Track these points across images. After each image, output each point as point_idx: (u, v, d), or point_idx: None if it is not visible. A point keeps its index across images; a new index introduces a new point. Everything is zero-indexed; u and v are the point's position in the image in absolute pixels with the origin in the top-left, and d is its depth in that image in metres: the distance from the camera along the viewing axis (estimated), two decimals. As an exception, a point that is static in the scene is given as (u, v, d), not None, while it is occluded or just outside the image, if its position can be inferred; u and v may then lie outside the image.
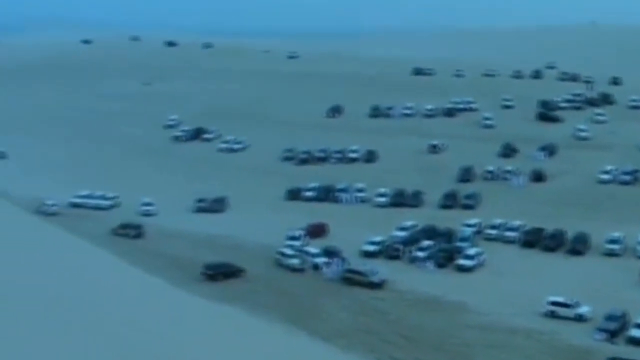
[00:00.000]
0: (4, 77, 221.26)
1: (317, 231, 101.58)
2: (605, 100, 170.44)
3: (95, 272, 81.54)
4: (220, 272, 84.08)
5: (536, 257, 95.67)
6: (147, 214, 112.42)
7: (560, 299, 76.11)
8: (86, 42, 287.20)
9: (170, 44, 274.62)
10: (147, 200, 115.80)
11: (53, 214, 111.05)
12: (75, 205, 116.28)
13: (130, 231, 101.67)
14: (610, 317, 72.95)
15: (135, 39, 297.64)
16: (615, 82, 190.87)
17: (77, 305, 65.68)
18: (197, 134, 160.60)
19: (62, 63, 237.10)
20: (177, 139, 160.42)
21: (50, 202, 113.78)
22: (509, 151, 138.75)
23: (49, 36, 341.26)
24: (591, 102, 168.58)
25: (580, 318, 74.75)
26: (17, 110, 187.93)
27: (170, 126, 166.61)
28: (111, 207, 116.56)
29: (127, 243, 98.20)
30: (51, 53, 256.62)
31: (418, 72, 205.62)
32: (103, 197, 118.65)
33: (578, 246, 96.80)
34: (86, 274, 78.41)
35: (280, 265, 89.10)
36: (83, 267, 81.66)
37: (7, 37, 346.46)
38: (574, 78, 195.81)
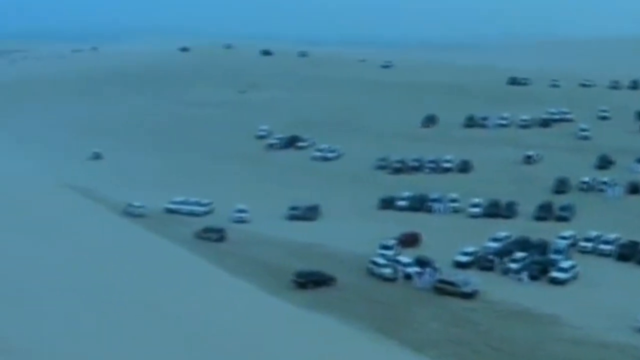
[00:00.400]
0: (102, 84, 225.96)
1: (409, 241, 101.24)
2: None
3: (181, 274, 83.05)
4: (311, 280, 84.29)
5: (631, 271, 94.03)
6: (240, 221, 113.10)
7: (656, 314, 74.31)
8: (184, 49, 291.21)
9: (266, 52, 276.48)
10: (241, 207, 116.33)
11: (139, 216, 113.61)
12: (170, 211, 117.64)
13: (213, 235, 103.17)
14: None
15: (229, 47, 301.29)
16: None
17: (164, 308, 66.83)
18: (291, 142, 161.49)
19: (160, 70, 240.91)
20: (271, 146, 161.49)
21: (136, 204, 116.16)
22: (605, 163, 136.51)
23: (147, 44, 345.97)
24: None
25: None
26: (115, 116, 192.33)
27: (261, 137, 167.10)
28: (205, 213, 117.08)
29: (210, 246, 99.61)
30: (149, 61, 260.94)
31: (513, 82, 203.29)
32: (198, 204, 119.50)
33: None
34: (172, 276, 79.86)
35: (372, 274, 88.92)
36: (169, 269, 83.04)
37: (105, 45, 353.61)
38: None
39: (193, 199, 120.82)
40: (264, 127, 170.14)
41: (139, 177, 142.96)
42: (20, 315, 59.12)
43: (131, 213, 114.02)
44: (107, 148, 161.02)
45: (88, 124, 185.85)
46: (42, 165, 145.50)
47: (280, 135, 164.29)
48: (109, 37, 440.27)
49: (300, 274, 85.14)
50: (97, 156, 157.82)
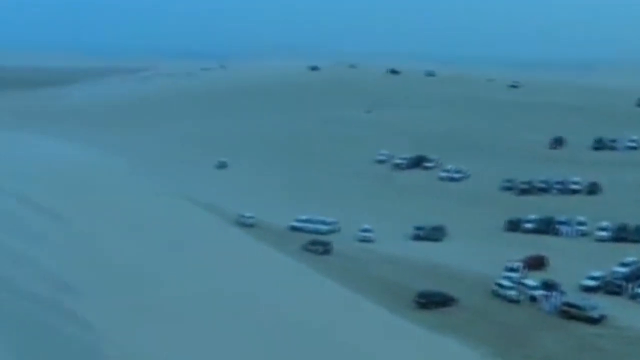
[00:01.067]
0: (230, 101, 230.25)
1: (535, 263, 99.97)
2: None
3: (300, 287, 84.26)
4: (433, 301, 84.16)
5: None
6: (365, 240, 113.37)
7: None
8: (314, 68, 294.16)
9: (393, 71, 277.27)
10: (366, 226, 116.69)
11: (250, 226, 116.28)
12: (295, 229, 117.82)
13: (319, 247, 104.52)
14: None
15: (353, 66, 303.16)
16: None
17: (285, 316, 67.47)
18: (417, 162, 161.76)
19: (288, 89, 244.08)
20: (397, 166, 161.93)
21: (247, 214, 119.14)
22: None
23: (276, 62, 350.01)
24: None
25: None
26: (242, 133, 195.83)
27: (381, 161, 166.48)
28: (330, 232, 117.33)
29: (317, 258, 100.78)
30: (277, 79, 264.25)
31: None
32: (323, 222, 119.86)
33: None
34: (289, 287, 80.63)
35: (497, 296, 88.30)
36: (284, 280, 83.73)
37: (234, 63, 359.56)
38: None
39: (318, 217, 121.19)
40: (384, 151, 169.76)
41: (263, 192, 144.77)
42: (154, 323, 60.54)
43: (243, 223, 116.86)
44: (233, 162, 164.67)
45: (215, 140, 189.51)
46: (169, 177, 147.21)
47: (406, 155, 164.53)
48: (238, 55, 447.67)
49: (422, 295, 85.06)
50: (222, 165, 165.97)
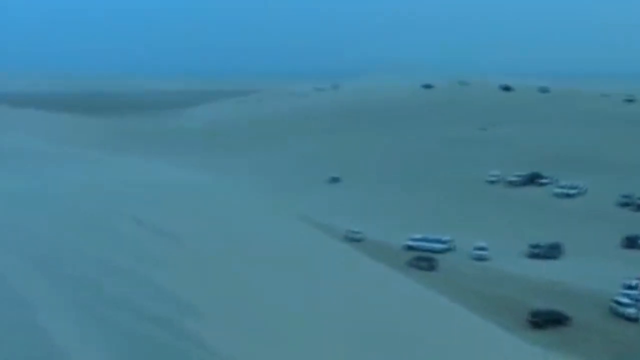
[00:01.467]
0: (345, 120, 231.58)
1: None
2: None
3: (404, 298, 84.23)
4: (547, 319, 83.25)
5: None
6: (480, 258, 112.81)
7: None
8: (427, 87, 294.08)
9: (506, 88, 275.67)
10: (480, 244, 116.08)
11: (357, 241, 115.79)
12: (411, 248, 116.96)
13: (424, 263, 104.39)
14: None
15: (464, 83, 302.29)
16: None
17: (402, 333, 68.00)
18: (531, 179, 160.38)
19: (401, 107, 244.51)
20: (511, 183, 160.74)
21: (355, 229, 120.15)
22: None
23: (389, 81, 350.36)
24: None
25: None
26: (355, 151, 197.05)
27: (492, 182, 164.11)
28: (446, 250, 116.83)
29: (423, 274, 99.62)
30: (390, 97, 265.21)
31: None
32: (438, 241, 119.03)
33: None
34: (395, 300, 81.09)
35: (615, 314, 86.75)
36: (398, 295, 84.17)
37: (347, 83, 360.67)
38: None
39: (433, 236, 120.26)
40: (495, 172, 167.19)
41: (375, 209, 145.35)
42: (272, 346, 61.55)
43: (351, 238, 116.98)
44: (346, 180, 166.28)
45: (328, 159, 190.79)
46: (283, 196, 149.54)
47: (521, 172, 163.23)
48: (351, 74, 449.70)
49: (535, 313, 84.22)
50: (334, 180, 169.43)
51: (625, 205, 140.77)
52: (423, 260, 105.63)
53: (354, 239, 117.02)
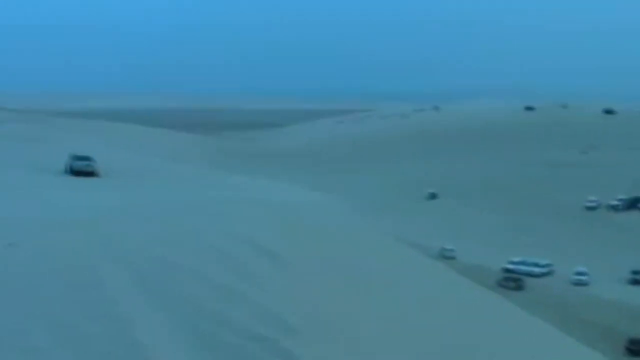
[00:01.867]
0: (445, 142, 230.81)
1: None
2: None
3: (497, 318, 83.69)
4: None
5: None
6: (580, 284, 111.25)
7: None
8: (529, 109, 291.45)
9: (608, 111, 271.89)
10: (580, 269, 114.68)
11: (450, 258, 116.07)
12: (508, 271, 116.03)
13: (511, 283, 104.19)
14: None
15: (564, 106, 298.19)
16: None
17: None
18: (634, 204, 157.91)
19: (502, 129, 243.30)
20: (612, 208, 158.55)
21: (448, 247, 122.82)
22: None
23: (490, 103, 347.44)
24: None
25: None
26: (454, 173, 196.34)
27: (591, 208, 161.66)
28: (544, 274, 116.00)
29: (510, 293, 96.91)
30: (492, 119, 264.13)
31: None
32: (536, 264, 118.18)
33: None
34: (488, 319, 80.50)
35: None
36: (486, 312, 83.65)
37: (447, 104, 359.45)
38: None
39: (531, 260, 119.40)
40: (593, 197, 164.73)
41: (473, 230, 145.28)
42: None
43: (443, 255, 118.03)
44: (444, 201, 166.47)
45: (427, 181, 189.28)
46: (383, 216, 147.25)
47: (623, 197, 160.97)
48: (452, 96, 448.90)
49: (634, 341, 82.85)
50: (433, 196, 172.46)
51: None
52: (510, 280, 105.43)
53: (446, 257, 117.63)
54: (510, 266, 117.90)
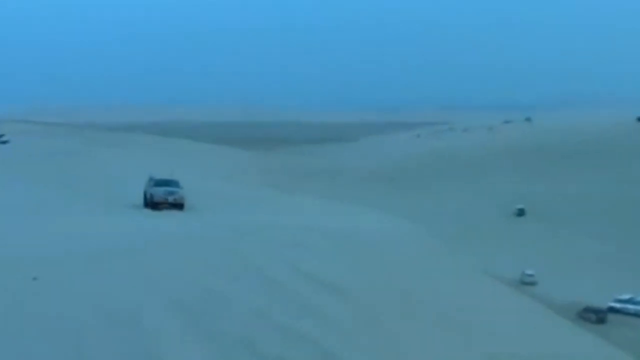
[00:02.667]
0: (539, 158, 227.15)
1: None
2: None
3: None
4: None
5: None
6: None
7: None
8: None
9: None
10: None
11: (530, 284, 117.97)
12: (614, 311, 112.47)
13: (592, 315, 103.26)
14: None
15: None
16: None
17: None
18: None
19: (607, 144, 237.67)
20: None
21: (529, 272, 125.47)
22: None
23: (591, 115, 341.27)
24: None
25: None
26: (549, 193, 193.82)
27: None
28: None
29: (592, 327, 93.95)
30: (594, 133, 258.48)
31: None
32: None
33: None
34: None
35: None
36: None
37: (541, 116, 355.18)
38: None
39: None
40: None
41: (565, 257, 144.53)
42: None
43: (523, 281, 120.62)
44: (538, 225, 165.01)
45: (517, 201, 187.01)
46: (460, 245, 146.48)
47: None
48: (545, 105, 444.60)
49: None
50: (521, 213, 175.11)
51: None
52: (590, 311, 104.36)
53: (527, 282, 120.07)
54: (617, 305, 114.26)
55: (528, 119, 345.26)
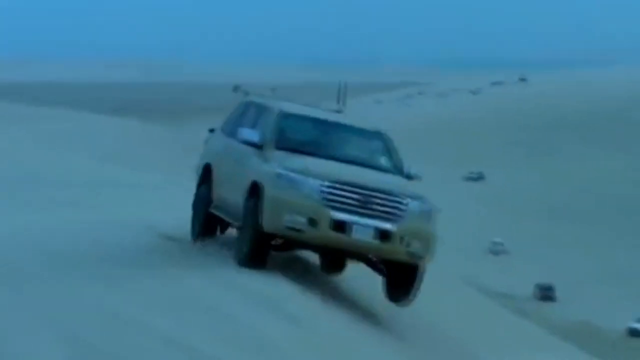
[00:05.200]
0: (535, 131, 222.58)
1: None
2: None
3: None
4: None
5: None
6: None
7: None
8: None
9: None
10: None
11: (549, 299, 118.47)
12: (636, 333, 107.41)
13: None
14: None
15: None
16: None
17: None
18: None
19: (627, 113, 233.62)
20: None
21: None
22: None
23: (602, 72, 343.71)
24: None
25: None
26: (563, 183, 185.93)
27: None
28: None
29: None
30: (605, 96, 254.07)
31: None
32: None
33: None
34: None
35: None
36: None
37: (536, 74, 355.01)
38: None
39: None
40: None
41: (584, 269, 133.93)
42: None
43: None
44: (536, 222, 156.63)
45: (510, 195, 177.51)
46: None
47: None
48: (541, 63, 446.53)
49: None
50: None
51: None
52: None
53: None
54: (637, 325, 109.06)
55: (522, 79, 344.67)
